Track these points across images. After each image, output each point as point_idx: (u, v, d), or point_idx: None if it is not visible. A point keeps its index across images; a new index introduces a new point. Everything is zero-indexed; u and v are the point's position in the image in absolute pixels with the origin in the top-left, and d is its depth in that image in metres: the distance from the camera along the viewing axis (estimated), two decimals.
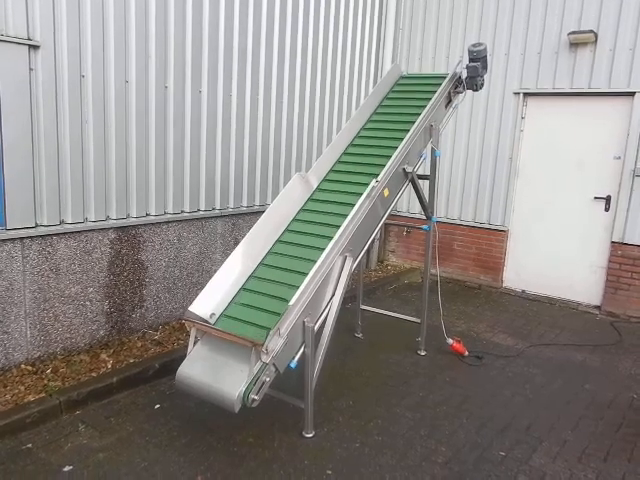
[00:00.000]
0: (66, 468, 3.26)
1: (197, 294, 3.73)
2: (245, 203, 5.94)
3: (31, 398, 3.82)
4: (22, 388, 3.96)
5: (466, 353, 5.11)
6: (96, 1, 4.28)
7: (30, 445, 3.46)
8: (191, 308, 3.60)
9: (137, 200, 4.86)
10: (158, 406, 4.03)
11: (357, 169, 4.49)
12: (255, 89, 5.79)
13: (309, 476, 3.28)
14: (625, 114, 6.30)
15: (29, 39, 3.94)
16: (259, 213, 4.86)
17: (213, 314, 3.67)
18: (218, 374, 3.39)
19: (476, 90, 5.00)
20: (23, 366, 4.25)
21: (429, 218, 4.95)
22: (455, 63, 5.09)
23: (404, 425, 3.90)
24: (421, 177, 4.76)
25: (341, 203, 4.22)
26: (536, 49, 6.76)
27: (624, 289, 6.43)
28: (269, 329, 3.29)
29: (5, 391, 3.90)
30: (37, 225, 4.21)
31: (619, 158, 6.38)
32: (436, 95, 4.71)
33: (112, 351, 4.67)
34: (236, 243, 5.75)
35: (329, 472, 3.33)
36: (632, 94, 6.21)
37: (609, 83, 6.31)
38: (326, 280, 3.70)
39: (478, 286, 7.53)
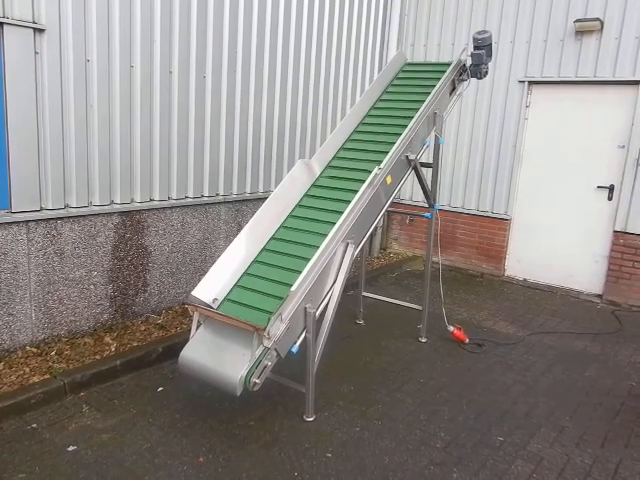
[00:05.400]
0: (70, 448, 3.31)
1: (200, 279, 3.76)
2: (249, 189, 5.95)
3: (36, 379, 3.87)
4: (27, 369, 4.01)
5: (467, 340, 5.14)
6: None
7: (35, 425, 3.52)
8: (194, 293, 3.64)
9: (141, 185, 4.88)
10: (161, 389, 4.08)
11: (360, 156, 4.50)
12: (259, 75, 5.79)
13: (309, 459, 3.33)
14: (630, 103, 6.27)
15: (34, 22, 3.94)
16: (262, 199, 4.88)
17: (216, 299, 3.71)
18: (220, 358, 3.43)
19: (480, 78, 4.99)
20: (28, 348, 4.30)
21: (431, 206, 4.95)
22: (460, 50, 5.07)
23: (404, 410, 3.95)
24: (424, 165, 4.77)
25: (344, 190, 4.23)
26: (542, 37, 6.72)
27: (626, 278, 6.44)
28: (271, 314, 3.33)
29: (10, 372, 3.96)
30: (42, 209, 4.24)
31: (623, 147, 6.36)
32: (440, 83, 4.70)
33: (116, 334, 4.72)
34: (239, 229, 5.77)
35: (329, 455, 3.37)
36: (637, 83, 6.18)
37: (614, 72, 6.28)
38: (328, 267, 3.72)
39: (480, 274, 7.55)
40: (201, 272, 5.55)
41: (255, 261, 3.97)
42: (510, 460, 3.42)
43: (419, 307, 5.22)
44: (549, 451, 3.54)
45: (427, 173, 4.76)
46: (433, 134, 4.74)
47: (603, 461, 3.46)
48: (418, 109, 4.52)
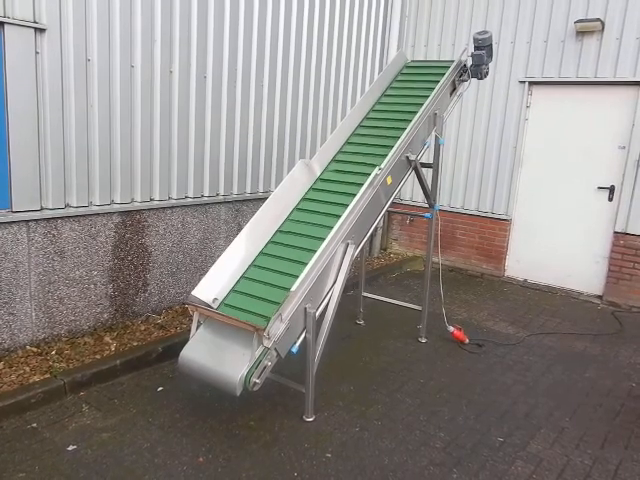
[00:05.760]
0: (70, 447, 3.31)
1: (200, 279, 3.76)
2: (249, 189, 5.95)
3: (36, 379, 3.87)
4: (27, 369, 4.01)
5: (467, 341, 5.14)
6: None
7: (35, 424, 3.52)
8: (194, 292, 3.63)
9: (141, 185, 4.88)
10: (161, 389, 4.08)
11: (360, 156, 4.50)
12: (260, 76, 5.79)
13: (309, 459, 3.33)
14: (630, 104, 6.27)
15: (35, 22, 3.94)
16: (263, 199, 4.88)
17: (216, 299, 3.70)
18: (220, 357, 3.43)
19: (481, 78, 4.98)
20: (28, 347, 4.30)
21: (432, 206, 4.95)
22: (461, 51, 5.07)
23: (404, 411, 3.95)
24: (424, 165, 4.77)
25: (344, 191, 4.23)
26: (542, 37, 6.72)
27: (626, 279, 6.44)
28: (271, 314, 3.33)
29: (11, 372, 3.96)
30: (42, 208, 4.24)
31: (623, 148, 6.36)
32: (440, 83, 4.70)
33: (116, 334, 4.72)
34: (239, 229, 5.77)
35: (328, 455, 3.37)
36: (638, 83, 6.18)
37: (615, 72, 6.28)
38: (328, 267, 3.72)
39: (480, 275, 7.55)
40: (201, 272, 5.55)
41: (254, 262, 3.97)
42: (510, 461, 3.42)
43: (419, 307, 5.22)
44: (549, 452, 3.54)
45: (427, 174, 4.76)
46: (433, 134, 4.74)
47: (603, 462, 3.46)
48: (418, 110, 4.52)
